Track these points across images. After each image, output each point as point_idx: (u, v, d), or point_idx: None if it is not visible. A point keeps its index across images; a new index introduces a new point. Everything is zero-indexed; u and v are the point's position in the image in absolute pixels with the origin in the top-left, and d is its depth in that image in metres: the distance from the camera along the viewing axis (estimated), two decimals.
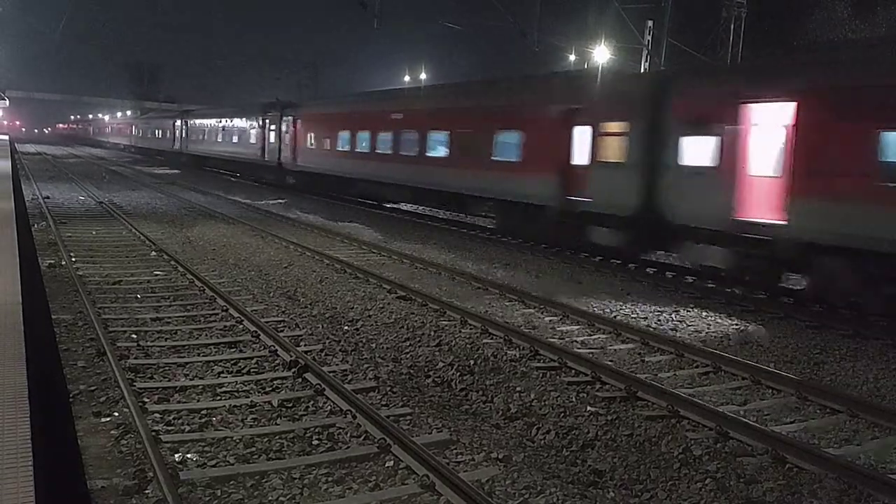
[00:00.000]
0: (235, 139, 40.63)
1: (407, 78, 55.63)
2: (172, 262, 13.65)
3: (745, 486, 5.63)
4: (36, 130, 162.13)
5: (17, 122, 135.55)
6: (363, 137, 26.36)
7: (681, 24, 31.07)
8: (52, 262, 13.16)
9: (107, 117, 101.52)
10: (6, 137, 56.74)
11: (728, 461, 6.04)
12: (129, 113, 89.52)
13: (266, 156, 35.10)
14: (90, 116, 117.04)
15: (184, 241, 16.80)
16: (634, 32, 29.89)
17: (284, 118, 33.12)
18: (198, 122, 48.99)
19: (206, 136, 46.61)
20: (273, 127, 34.37)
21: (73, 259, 13.52)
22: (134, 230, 17.69)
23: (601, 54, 29.89)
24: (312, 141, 30.72)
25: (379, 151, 25.10)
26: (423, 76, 53.36)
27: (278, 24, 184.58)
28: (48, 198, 24.37)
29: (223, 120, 43.06)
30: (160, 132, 60.69)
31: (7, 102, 52.12)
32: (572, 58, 34.31)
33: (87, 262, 13.42)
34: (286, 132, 32.82)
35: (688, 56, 28.92)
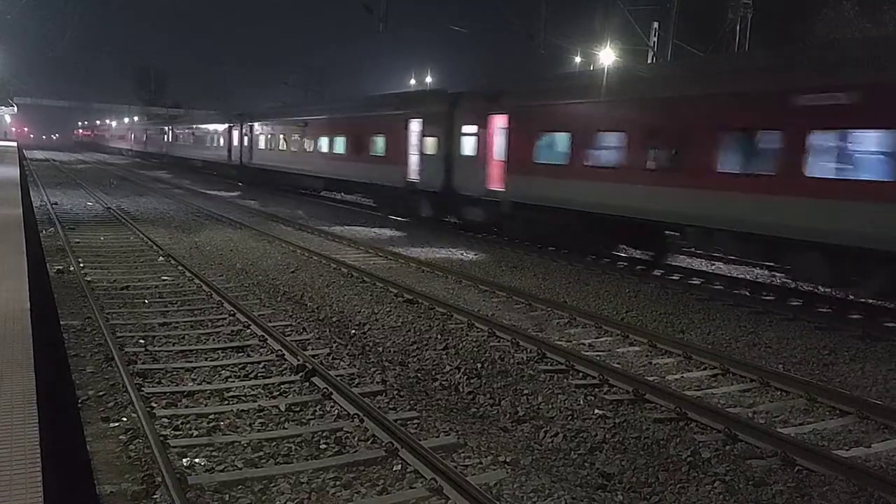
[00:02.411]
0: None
1: (413, 81, 55.69)
2: (180, 267, 13.68)
3: (755, 488, 5.61)
4: (44, 137, 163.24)
5: (26, 129, 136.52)
6: None
7: (687, 24, 31.04)
8: (61, 267, 13.21)
9: (144, 119, 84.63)
10: (14, 144, 57.07)
11: (737, 464, 6.01)
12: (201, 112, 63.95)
13: None
14: (113, 123, 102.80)
15: (191, 246, 16.85)
16: (640, 34, 29.87)
17: None
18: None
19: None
20: None
21: (82, 265, 13.57)
22: (142, 235, 17.76)
23: (607, 56, 29.89)
24: None
25: None
26: (428, 79, 53.41)
27: (284, 29, 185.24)
28: (56, 204, 24.49)
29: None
30: (318, 143, 30.70)
31: (15, 109, 52.39)
32: (578, 59, 34.29)
33: (96, 268, 13.47)
34: None
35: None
